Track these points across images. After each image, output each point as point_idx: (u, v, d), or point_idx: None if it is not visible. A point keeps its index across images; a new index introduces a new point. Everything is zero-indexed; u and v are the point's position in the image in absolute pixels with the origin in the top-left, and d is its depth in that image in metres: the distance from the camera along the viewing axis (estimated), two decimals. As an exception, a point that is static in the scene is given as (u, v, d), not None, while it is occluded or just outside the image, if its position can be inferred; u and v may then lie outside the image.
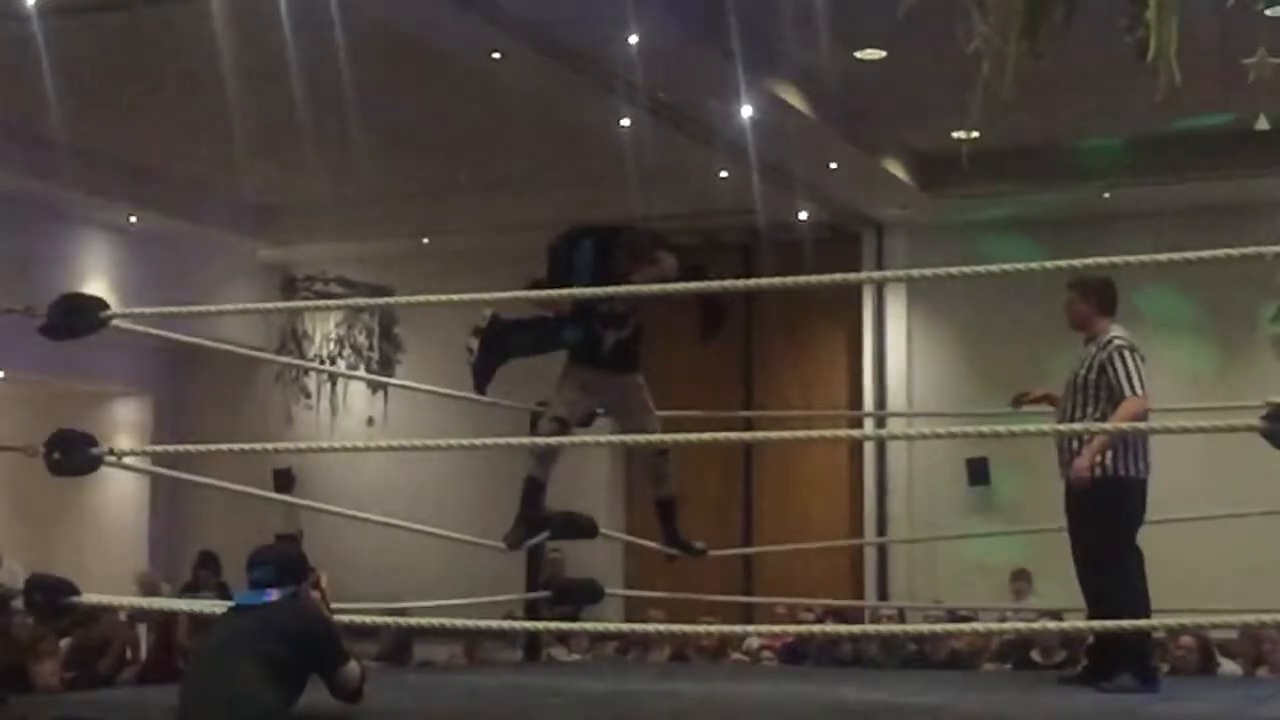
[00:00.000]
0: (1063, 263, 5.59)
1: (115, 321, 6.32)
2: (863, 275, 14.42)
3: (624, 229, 7.22)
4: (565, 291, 6.88)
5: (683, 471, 7.52)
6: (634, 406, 7.23)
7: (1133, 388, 6.42)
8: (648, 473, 7.56)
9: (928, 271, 5.76)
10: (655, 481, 7.49)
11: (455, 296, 6.25)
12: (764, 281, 6.23)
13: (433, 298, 6.26)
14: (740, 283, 6.58)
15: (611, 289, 6.57)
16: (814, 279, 6.85)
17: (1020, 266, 5.45)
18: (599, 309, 7.01)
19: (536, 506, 7.27)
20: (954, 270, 5.53)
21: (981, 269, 5.50)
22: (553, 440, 7.09)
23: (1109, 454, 6.42)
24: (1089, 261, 5.97)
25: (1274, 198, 12.51)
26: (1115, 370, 6.46)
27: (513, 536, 7.32)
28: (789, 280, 5.85)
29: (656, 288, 6.42)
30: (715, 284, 6.33)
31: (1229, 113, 11.19)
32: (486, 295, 7.04)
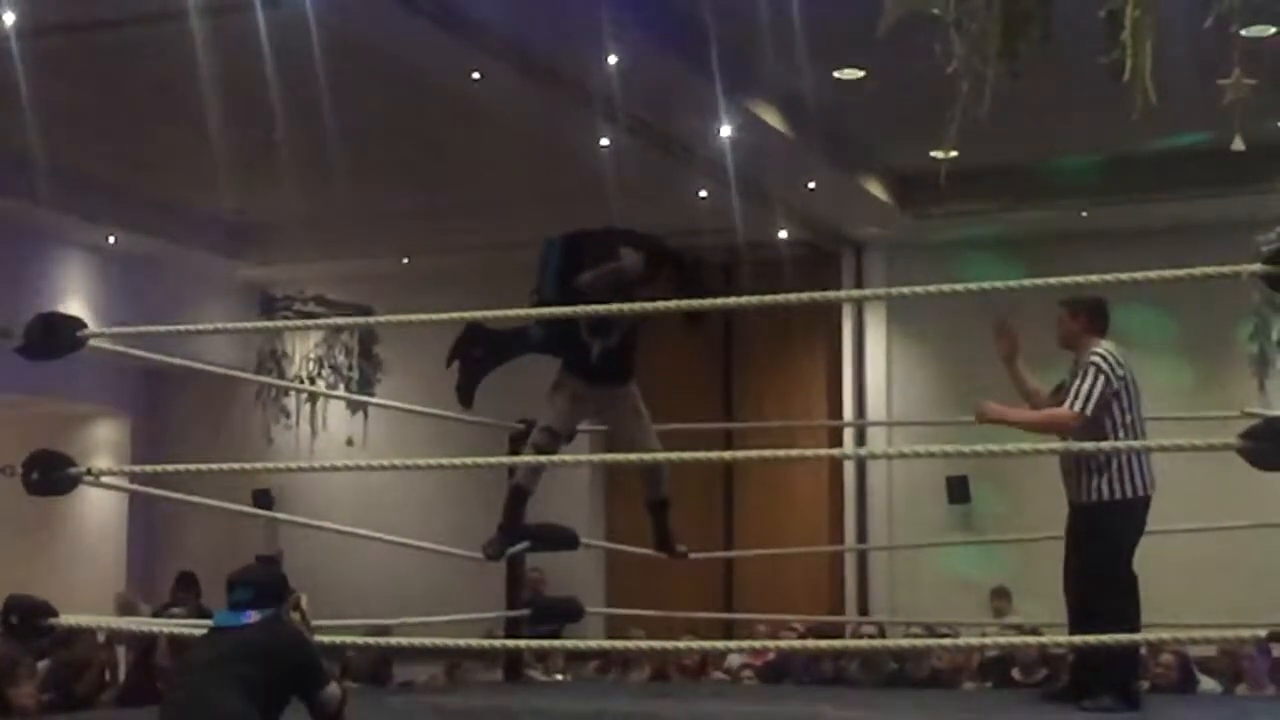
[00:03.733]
0: (1039, 280, 5.61)
1: (93, 341, 6.30)
2: (842, 294, 14.46)
3: (593, 231, 7.19)
4: (533, 310, 6.90)
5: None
6: (626, 415, 7.15)
7: (1073, 403, 6.43)
8: (641, 476, 7.51)
9: (905, 290, 5.78)
10: (648, 485, 7.44)
11: (435, 316, 6.24)
12: (743, 300, 6.22)
13: (413, 317, 6.26)
14: (719, 301, 6.57)
15: (580, 308, 6.58)
16: (792, 297, 6.83)
17: (999, 285, 5.48)
18: (581, 316, 6.94)
19: (519, 516, 7.24)
20: (932, 288, 5.57)
21: (959, 286, 5.52)
22: (532, 460, 7.07)
23: (1104, 478, 6.40)
24: (1066, 280, 5.98)
25: (1250, 216, 12.56)
26: (1072, 383, 6.49)
27: (493, 547, 7.28)
28: (767, 299, 5.84)
29: (627, 306, 6.42)
30: (693, 302, 6.32)
31: (1205, 132, 11.25)
32: (467, 314, 7.03)
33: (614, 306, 6.47)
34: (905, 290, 6.51)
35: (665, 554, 7.66)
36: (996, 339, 6.91)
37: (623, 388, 7.14)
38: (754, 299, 5.86)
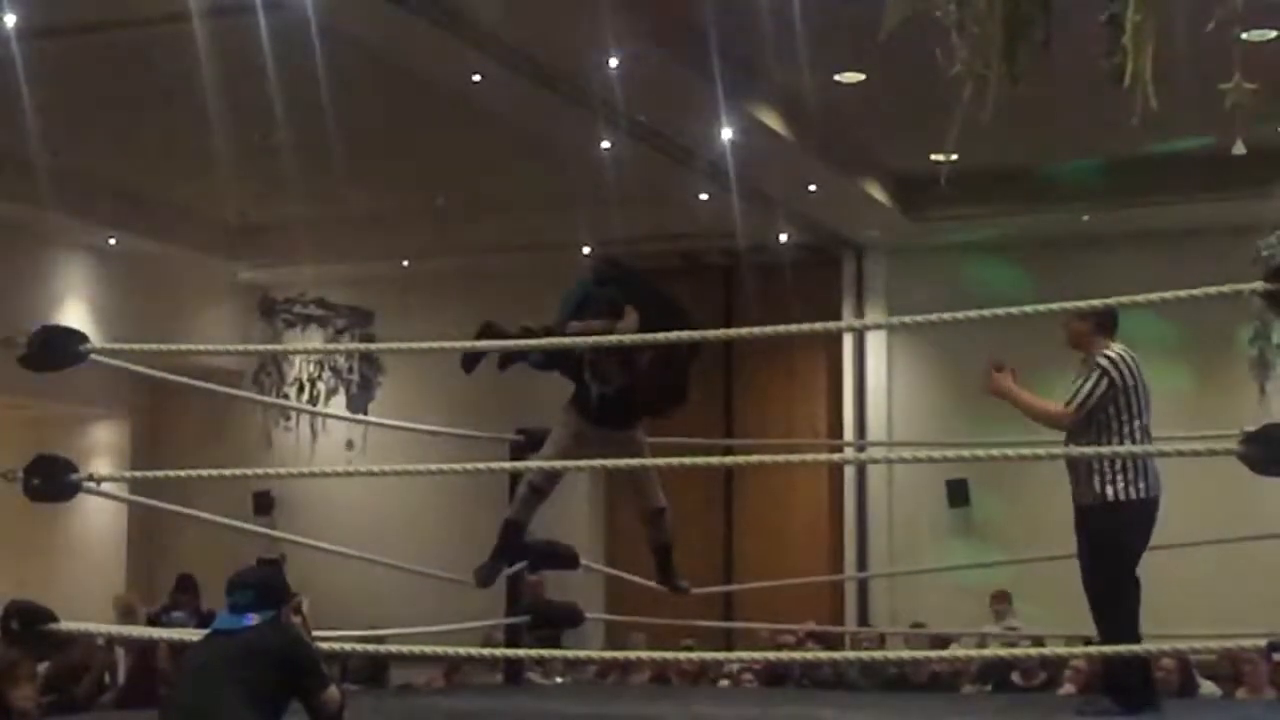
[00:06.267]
0: (1042, 307, 5.65)
1: (94, 356, 6.32)
2: (843, 324, 14.52)
3: (618, 278, 7.30)
4: (526, 342, 6.99)
5: (666, 496, 7.51)
6: (629, 470, 7.17)
7: (1071, 400, 6.44)
8: (645, 522, 7.54)
9: (908, 319, 5.87)
10: (652, 531, 7.50)
11: (431, 344, 6.32)
12: (743, 331, 6.27)
13: (408, 345, 6.33)
14: (716, 333, 6.66)
15: (562, 340, 6.71)
16: (793, 328, 6.87)
17: (999, 311, 5.54)
18: (586, 357, 7.04)
19: (513, 548, 7.31)
20: (933, 317, 5.64)
21: (961, 315, 5.59)
22: (534, 465, 7.09)
23: (1110, 479, 6.40)
24: (1067, 306, 5.99)
25: (1251, 220, 12.56)
26: (1076, 382, 6.49)
27: (484, 574, 7.31)
28: (767, 330, 5.91)
29: (614, 338, 6.54)
30: (690, 334, 6.41)
31: (1206, 136, 11.24)
32: (465, 345, 7.11)
33: (605, 340, 6.59)
34: (908, 320, 6.51)
35: (667, 588, 7.73)
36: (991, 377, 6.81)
37: (626, 432, 7.20)
38: (754, 330, 5.92)
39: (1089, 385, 6.44)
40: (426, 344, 6.37)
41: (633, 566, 9.42)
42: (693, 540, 11.91)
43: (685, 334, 6.42)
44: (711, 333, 6.55)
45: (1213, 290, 5.30)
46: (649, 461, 7.02)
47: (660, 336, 6.43)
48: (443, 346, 6.61)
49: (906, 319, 5.72)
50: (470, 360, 7.39)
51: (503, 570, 7.51)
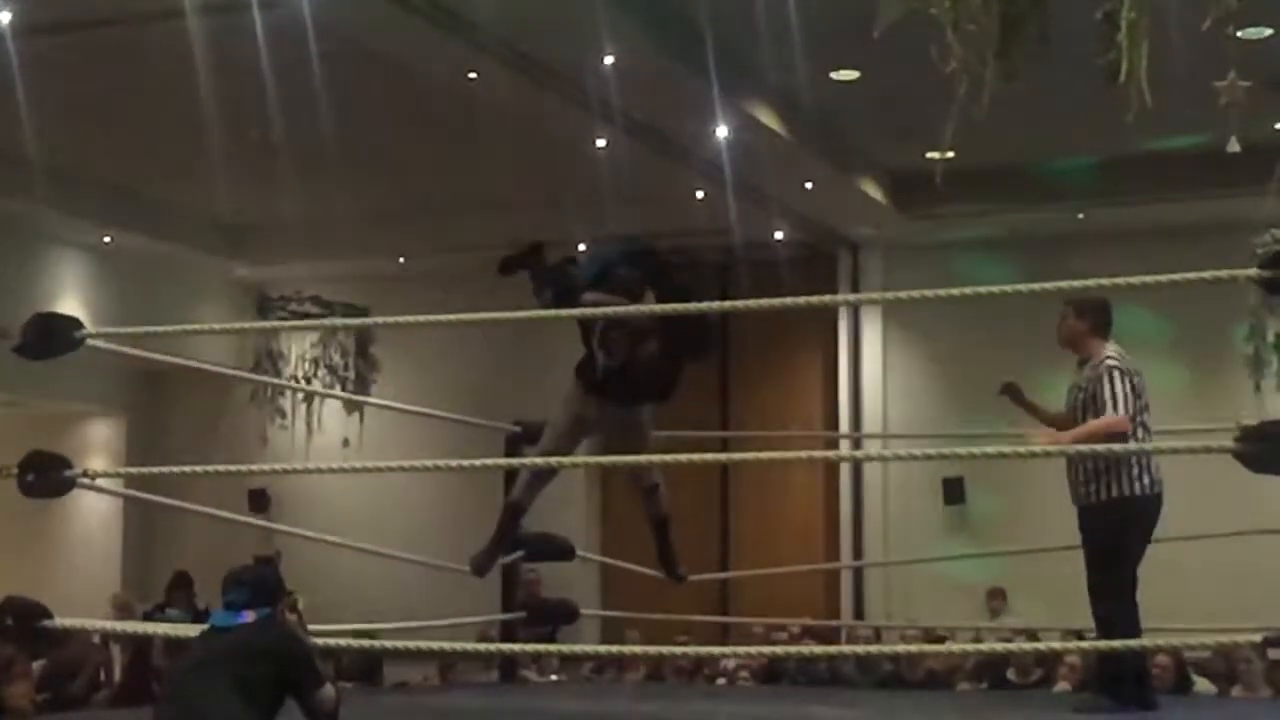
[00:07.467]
0: (1035, 285, 5.62)
1: (90, 341, 6.31)
2: (839, 298, 14.47)
3: (654, 260, 7.27)
4: (539, 312, 6.94)
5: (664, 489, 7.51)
6: (631, 442, 7.07)
7: (1115, 407, 6.42)
8: (641, 500, 7.52)
9: (902, 294, 5.85)
10: (647, 505, 7.47)
11: (430, 318, 6.26)
12: (739, 304, 6.27)
13: (408, 319, 6.28)
14: (714, 304, 6.61)
15: (571, 310, 6.67)
16: (788, 301, 6.87)
17: (994, 290, 5.50)
18: (596, 325, 7.00)
19: (511, 532, 7.27)
20: (929, 292, 5.57)
21: (956, 291, 5.54)
22: (527, 463, 7.08)
23: (1108, 476, 6.39)
24: (1062, 285, 5.97)
25: (1246, 218, 12.57)
26: (1103, 390, 6.47)
27: (480, 561, 7.29)
28: (762, 303, 5.87)
29: (624, 309, 6.52)
30: (686, 305, 6.38)
31: (1201, 134, 11.25)
32: (464, 317, 7.04)
33: (605, 310, 6.55)
34: (902, 295, 6.48)
35: (666, 575, 7.68)
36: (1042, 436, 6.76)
37: (627, 411, 7.13)
38: (750, 302, 5.90)
39: (1117, 386, 6.43)
40: (424, 318, 6.30)
41: (628, 558, 9.42)
42: (689, 536, 11.89)
43: (682, 305, 6.40)
44: (706, 304, 6.52)
45: (1208, 275, 5.28)
46: (644, 459, 7.00)
47: (661, 307, 6.41)
48: (444, 320, 6.54)
49: (901, 294, 5.72)
50: (507, 265, 7.38)
51: (499, 558, 7.47)
